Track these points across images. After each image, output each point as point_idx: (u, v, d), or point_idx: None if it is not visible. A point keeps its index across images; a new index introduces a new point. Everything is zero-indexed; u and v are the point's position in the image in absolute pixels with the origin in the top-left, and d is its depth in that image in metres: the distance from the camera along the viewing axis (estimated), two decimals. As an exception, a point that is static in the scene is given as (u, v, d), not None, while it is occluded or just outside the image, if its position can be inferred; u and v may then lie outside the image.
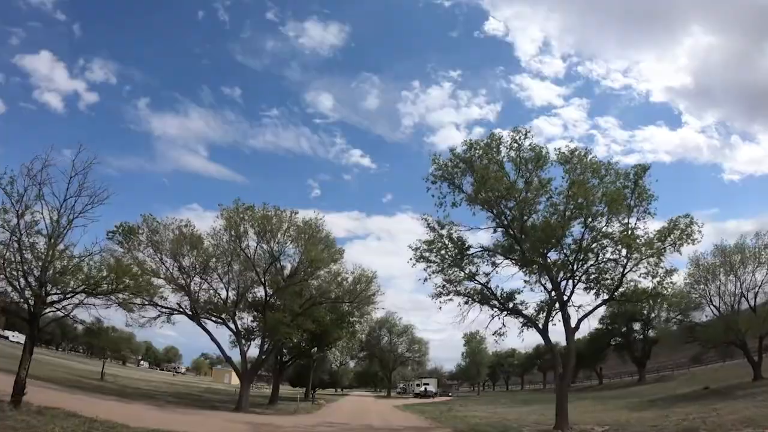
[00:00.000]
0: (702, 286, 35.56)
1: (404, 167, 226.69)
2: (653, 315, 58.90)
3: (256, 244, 24.68)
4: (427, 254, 22.12)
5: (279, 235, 24.34)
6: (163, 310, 26.24)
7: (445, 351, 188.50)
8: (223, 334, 30.40)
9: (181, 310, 26.10)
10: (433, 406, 41.56)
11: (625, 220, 19.57)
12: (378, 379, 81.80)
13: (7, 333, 77.51)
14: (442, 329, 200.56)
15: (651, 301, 23.15)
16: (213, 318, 26.95)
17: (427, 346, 70.56)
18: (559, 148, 20.21)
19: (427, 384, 63.44)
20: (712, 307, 35.68)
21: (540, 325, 21.96)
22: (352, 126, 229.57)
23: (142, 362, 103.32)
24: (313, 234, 25.53)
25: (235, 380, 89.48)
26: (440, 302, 23.76)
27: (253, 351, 31.33)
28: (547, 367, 78.38)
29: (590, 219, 18.72)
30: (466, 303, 23.86)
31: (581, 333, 26.50)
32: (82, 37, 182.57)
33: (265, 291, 25.79)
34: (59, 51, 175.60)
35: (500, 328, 23.79)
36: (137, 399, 25.64)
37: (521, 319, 23.31)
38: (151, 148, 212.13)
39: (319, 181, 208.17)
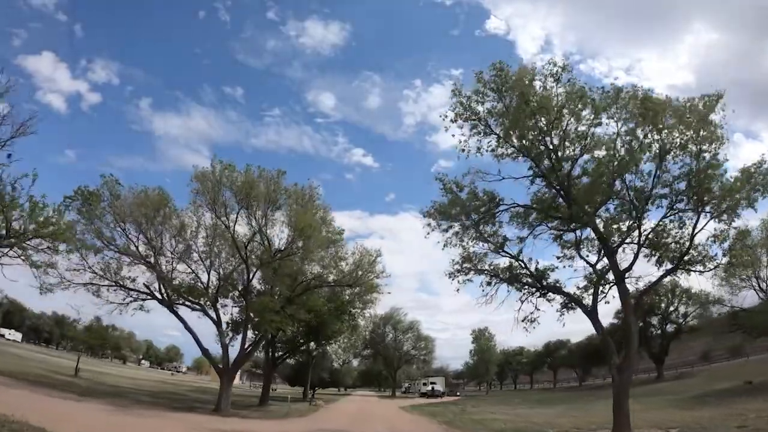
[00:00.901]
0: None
1: (407, 166, 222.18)
2: (671, 309, 55.10)
3: (237, 213, 19.86)
4: (445, 216, 17.30)
5: (263, 201, 19.45)
6: (131, 293, 21.54)
7: (449, 350, 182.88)
8: (212, 327, 25.59)
9: (149, 292, 21.30)
10: (443, 406, 36.46)
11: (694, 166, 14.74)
12: (382, 378, 76.41)
13: (3, 331, 73.55)
14: (446, 328, 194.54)
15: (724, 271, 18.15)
16: (188, 303, 22.09)
17: (434, 344, 65.22)
18: (603, 87, 15.25)
19: (434, 383, 58.00)
20: (759, 291, 30.91)
21: (585, 305, 17.06)
22: (354, 125, 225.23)
23: (143, 361, 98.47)
24: (305, 203, 20.63)
25: (235, 380, 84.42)
26: (458, 282, 18.96)
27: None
28: (558, 365, 72.95)
29: (663, 152, 13.87)
30: (489, 284, 19.05)
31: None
32: (84, 37, 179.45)
33: (247, 269, 20.91)
34: (61, 52, 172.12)
35: (531, 313, 18.98)
36: (99, 397, 20.94)
37: (561, 300, 18.37)
38: (153, 147, 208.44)
39: (321, 181, 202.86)
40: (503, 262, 18.87)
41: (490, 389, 78.53)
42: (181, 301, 22.46)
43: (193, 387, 43.73)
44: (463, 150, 15.61)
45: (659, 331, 55.75)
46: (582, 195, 15.20)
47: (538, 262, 18.14)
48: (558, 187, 15.63)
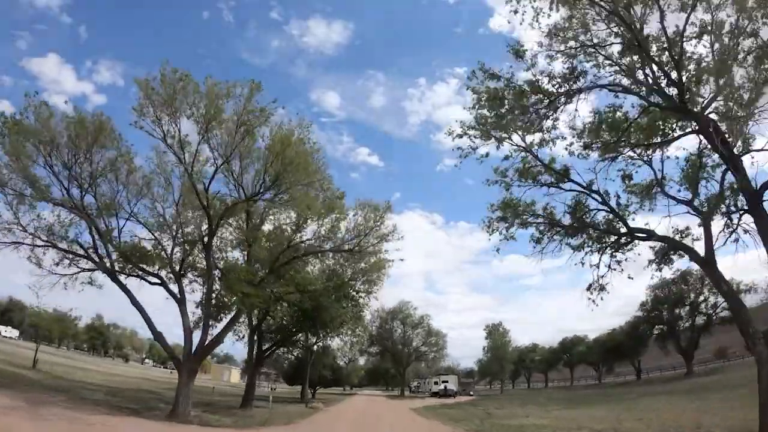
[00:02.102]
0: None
1: (412, 165, 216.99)
2: (701, 299, 49.14)
3: (197, 143, 14.03)
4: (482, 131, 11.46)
5: (232, 127, 13.52)
6: (67, 256, 15.84)
7: (455, 349, 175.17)
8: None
9: (85, 254, 15.50)
10: (461, 408, 30.16)
11: None
12: (389, 377, 69.78)
13: (0, 328, 68.61)
14: (452, 327, 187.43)
15: None
16: (140, 272, 16.23)
17: (445, 340, 58.38)
18: None
19: (447, 381, 51.37)
20: None
21: (694, 249, 11.05)
22: (359, 124, 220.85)
23: (146, 360, 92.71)
24: (291, 142, 14.56)
25: (234, 377, 78.26)
26: (499, 234, 13.16)
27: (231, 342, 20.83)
28: (575, 363, 65.99)
29: None
30: (539, 240, 13.23)
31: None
32: (89, 39, 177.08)
33: (209, 218, 14.84)
34: (66, 53, 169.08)
35: (602, 277, 13.09)
36: (24, 391, 15.67)
37: (655, 252, 12.37)
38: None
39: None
40: (563, 205, 12.99)
41: (502, 388, 71.67)
42: (134, 271, 16.62)
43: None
44: (516, 12, 9.74)
45: (688, 324, 49.71)
46: (702, 70, 9.25)
47: (618, 197, 12.14)
48: (661, 62, 9.68)
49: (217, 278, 16.03)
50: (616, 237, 12.86)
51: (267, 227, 20.17)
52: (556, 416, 22.17)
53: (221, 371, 73.40)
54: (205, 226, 16.95)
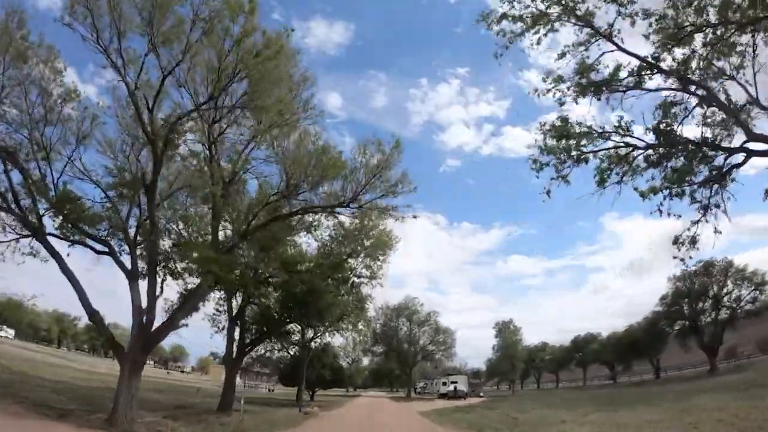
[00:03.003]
0: None
1: (413, 165, 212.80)
2: (724, 292, 45.01)
3: (144, 55, 10.02)
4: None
5: (187, 26, 9.44)
6: None
7: (457, 349, 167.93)
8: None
9: (3, 207, 11.52)
10: (476, 412, 25.67)
11: None
12: (394, 377, 65.04)
13: (-3, 328, 65.08)
14: (455, 328, 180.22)
15: None
16: (79, 234, 12.22)
17: (453, 338, 53.56)
18: None
19: (456, 382, 46.65)
20: None
21: None
22: (360, 124, 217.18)
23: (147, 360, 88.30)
24: (254, 9, 9.75)
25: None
26: (555, 168, 9.27)
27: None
28: (588, 362, 61.06)
29: None
30: (604, 179, 9.41)
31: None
32: None
33: (153, 149, 10.43)
34: (68, 56, 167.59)
35: (696, 224, 9.16)
36: None
37: None
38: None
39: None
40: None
41: (513, 389, 66.75)
42: (75, 235, 12.60)
43: (162, 386, 33.82)
44: None
45: (710, 318, 45.35)
46: None
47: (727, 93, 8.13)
48: None
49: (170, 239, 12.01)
50: (709, 170, 8.83)
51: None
52: (597, 421, 17.75)
53: (221, 372, 69.03)
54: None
